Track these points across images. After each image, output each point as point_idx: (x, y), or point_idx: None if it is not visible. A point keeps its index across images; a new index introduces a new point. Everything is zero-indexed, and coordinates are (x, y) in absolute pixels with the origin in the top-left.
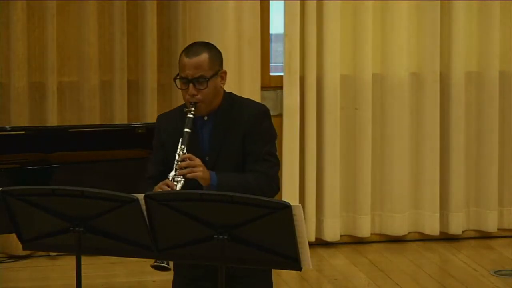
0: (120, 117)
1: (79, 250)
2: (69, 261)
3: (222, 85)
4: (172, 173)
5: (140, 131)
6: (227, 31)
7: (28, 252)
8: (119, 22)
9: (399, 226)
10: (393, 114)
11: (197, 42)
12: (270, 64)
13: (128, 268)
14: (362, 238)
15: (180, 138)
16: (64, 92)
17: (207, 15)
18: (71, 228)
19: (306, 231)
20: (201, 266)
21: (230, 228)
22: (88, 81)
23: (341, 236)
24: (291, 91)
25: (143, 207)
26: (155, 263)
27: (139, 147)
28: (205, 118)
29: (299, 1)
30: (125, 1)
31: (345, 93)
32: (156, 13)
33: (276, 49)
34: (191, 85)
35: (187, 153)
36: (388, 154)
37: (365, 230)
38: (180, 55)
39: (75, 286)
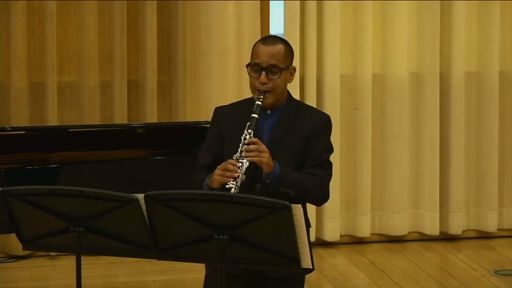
0: (120, 117)
1: (79, 250)
2: (69, 261)
3: (290, 81)
4: (237, 154)
5: (140, 131)
6: (227, 31)
7: (28, 252)
8: (119, 22)
9: (399, 226)
10: (393, 114)
11: (273, 35)
12: None
13: (128, 268)
14: (362, 238)
15: (239, 130)
16: (64, 92)
17: (207, 15)
18: (71, 228)
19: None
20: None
21: (230, 228)
22: (88, 81)
23: (341, 236)
24: (291, 91)
25: (143, 207)
26: None
27: (139, 147)
28: (268, 111)
29: (299, 1)
30: (125, 1)
31: (345, 93)
32: (156, 13)
33: None
34: (263, 72)
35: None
36: (388, 154)
37: (365, 230)
38: (255, 44)
39: (75, 286)
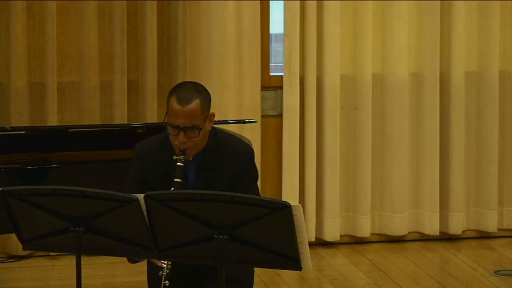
0: (120, 117)
1: (79, 250)
2: (69, 261)
3: (209, 127)
4: None
5: (140, 131)
6: (227, 31)
7: (28, 252)
8: (119, 22)
9: (399, 226)
10: (393, 114)
11: (186, 85)
12: (270, 64)
13: (128, 268)
14: (362, 238)
15: (164, 172)
16: (64, 92)
17: (207, 15)
18: (71, 228)
19: (306, 231)
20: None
21: (230, 228)
22: (88, 81)
23: (341, 236)
24: (291, 91)
25: (143, 207)
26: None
27: None
28: (190, 158)
29: (299, 1)
30: (125, 1)
31: (345, 93)
32: (156, 13)
33: (276, 49)
34: (182, 133)
35: None
36: (388, 154)
37: (365, 230)
38: (170, 98)
39: (75, 286)
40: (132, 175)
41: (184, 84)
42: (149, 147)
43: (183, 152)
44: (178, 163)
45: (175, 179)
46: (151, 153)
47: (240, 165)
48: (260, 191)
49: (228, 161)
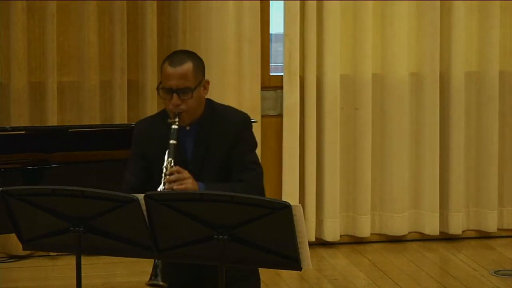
0: (120, 117)
1: (79, 250)
2: (69, 261)
3: (205, 94)
4: (161, 187)
5: None
6: (227, 31)
7: (28, 252)
8: (119, 22)
9: (399, 226)
10: (393, 114)
11: (179, 50)
12: (270, 64)
13: (128, 268)
14: (362, 238)
15: (163, 148)
16: (64, 92)
17: (207, 15)
18: (71, 228)
19: (306, 231)
20: (189, 272)
21: (230, 228)
22: (88, 81)
23: (341, 236)
24: (291, 91)
25: (143, 207)
26: (150, 282)
27: None
28: (187, 128)
29: (299, 1)
30: (125, 1)
31: (345, 93)
32: (156, 13)
33: (276, 49)
34: (175, 95)
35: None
36: (388, 154)
37: (365, 230)
38: (163, 64)
39: (75, 286)
40: (131, 153)
41: (176, 51)
42: (147, 123)
43: (178, 115)
44: (173, 126)
45: (170, 141)
46: (149, 129)
47: (236, 131)
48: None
49: (225, 129)
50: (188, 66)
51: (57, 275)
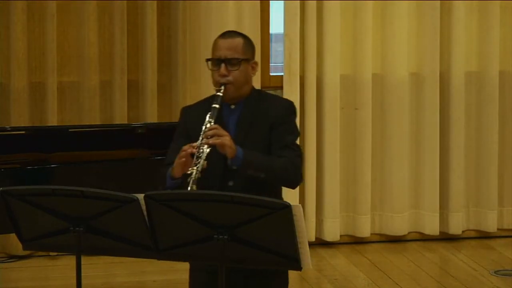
0: (120, 117)
1: (79, 250)
2: (69, 261)
3: (252, 75)
4: (198, 141)
5: (140, 131)
6: None
7: (28, 252)
8: (119, 22)
9: (399, 226)
10: (393, 114)
11: (233, 30)
12: (270, 64)
13: (128, 268)
14: (362, 238)
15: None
16: (64, 92)
17: (207, 15)
18: (71, 228)
19: (306, 231)
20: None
21: (230, 228)
22: (88, 81)
23: (341, 236)
24: (291, 91)
25: (143, 207)
26: None
27: (139, 147)
28: (232, 106)
29: (299, 1)
30: (125, 1)
31: (345, 93)
32: (156, 13)
33: (276, 49)
34: (223, 65)
35: None
36: (388, 154)
37: (365, 230)
38: (215, 39)
39: (75, 286)
40: (175, 134)
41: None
42: (193, 106)
43: (223, 85)
44: (218, 93)
45: (213, 105)
46: (195, 111)
47: (280, 114)
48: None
49: (268, 110)
50: (239, 40)
51: (57, 275)
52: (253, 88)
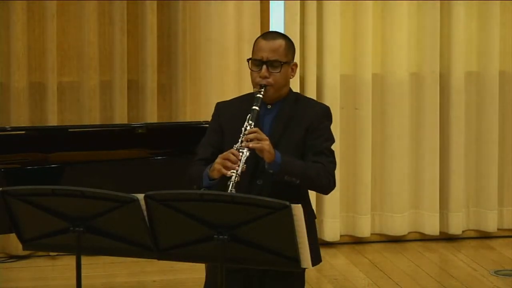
0: (120, 117)
1: (79, 250)
2: (69, 261)
3: (291, 76)
4: (238, 144)
5: (140, 131)
6: (227, 31)
7: (28, 252)
8: (119, 22)
9: (399, 226)
10: (393, 114)
11: (275, 31)
12: None
13: (128, 268)
14: (362, 238)
15: (239, 127)
16: (64, 92)
17: (207, 15)
18: (71, 228)
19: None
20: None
21: (230, 228)
22: (88, 81)
23: (341, 236)
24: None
25: (143, 207)
26: None
27: (139, 147)
28: (269, 106)
29: (299, 1)
30: (125, 1)
31: (345, 93)
32: (156, 13)
33: None
34: (264, 66)
35: None
36: (388, 154)
37: (365, 230)
38: (257, 39)
39: (75, 286)
40: (208, 128)
41: (271, 31)
42: (228, 102)
43: (263, 87)
44: (258, 95)
45: (253, 107)
46: (229, 107)
47: (316, 118)
48: (335, 158)
49: (305, 113)
50: (281, 42)
51: (57, 275)
52: (290, 89)
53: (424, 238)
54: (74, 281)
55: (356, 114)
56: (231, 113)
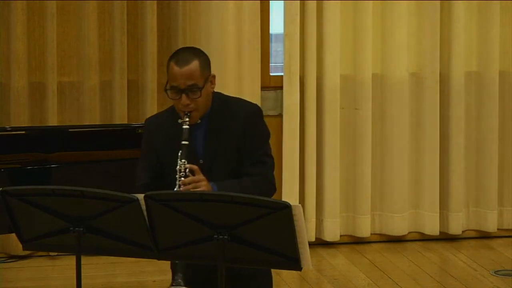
0: (120, 117)
1: (79, 250)
2: (69, 261)
3: (212, 89)
4: (176, 188)
5: (140, 131)
6: (227, 31)
7: (28, 252)
8: (119, 22)
9: (399, 226)
10: (393, 114)
11: (184, 48)
12: (270, 64)
13: (128, 268)
14: (362, 238)
15: (172, 143)
16: (64, 92)
17: (207, 15)
18: (71, 228)
19: (306, 231)
20: (199, 269)
21: (230, 228)
22: (88, 81)
23: (341, 236)
24: (291, 91)
25: (143, 207)
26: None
27: (139, 147)
28: (198, 121)
29: (299, 1)
30: (125, 1)
31: (345, 93)
32: (156, 13)
33: (276, 49)
34: (183, 95)
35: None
36: (388, 154)
37: (365, 230)
38: (168, 63)
39: (75, 286)
40: (142, 149)
41: (181, 48)
42: (157, 119)
43: (188, 115)
44: (184, 126)
45: (182, 142)
46: (158, 125)
47: (246, 124)
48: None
49: (235, 121)
50: (195, 64)
51: (57, 275)
52: (213, 96)
53: (424, 238)
54: (74, 281)
55: (356, 114)
56: (163, 132)
